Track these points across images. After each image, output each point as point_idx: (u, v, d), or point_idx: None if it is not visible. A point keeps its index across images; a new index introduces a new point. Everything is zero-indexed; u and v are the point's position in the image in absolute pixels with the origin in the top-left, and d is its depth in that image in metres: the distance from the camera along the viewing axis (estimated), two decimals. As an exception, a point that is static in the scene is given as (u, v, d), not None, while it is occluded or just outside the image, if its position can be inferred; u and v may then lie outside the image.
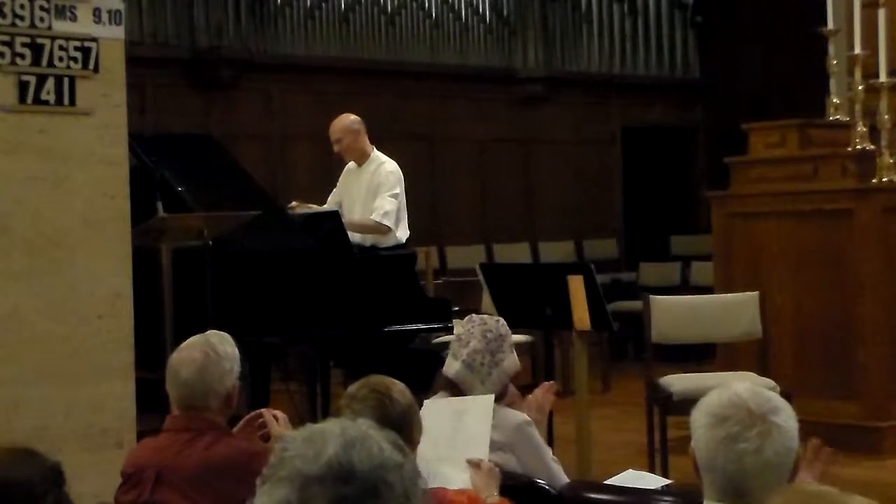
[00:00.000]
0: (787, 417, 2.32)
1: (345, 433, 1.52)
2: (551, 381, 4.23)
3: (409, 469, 1.52)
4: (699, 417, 2.34)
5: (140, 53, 8.92)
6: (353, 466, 1.48)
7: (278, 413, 3.63)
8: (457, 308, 6.94)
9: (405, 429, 2.86)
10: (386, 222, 7.13)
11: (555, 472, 3.82)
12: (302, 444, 1.51)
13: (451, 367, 3.89)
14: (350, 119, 7.37)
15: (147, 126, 9.03)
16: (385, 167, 7.29)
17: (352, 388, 3.08)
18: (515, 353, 3.97)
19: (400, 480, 1.50)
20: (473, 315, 4.05)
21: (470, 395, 3.84)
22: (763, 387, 2.46)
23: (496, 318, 4.00)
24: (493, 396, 3.70)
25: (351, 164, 7.44)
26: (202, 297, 5.95)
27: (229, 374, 3.41)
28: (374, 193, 7.22)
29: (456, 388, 3.87)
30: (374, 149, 7.42)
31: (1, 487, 2.26)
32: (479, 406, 3.61)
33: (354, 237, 7.10)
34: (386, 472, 1.49)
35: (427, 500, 1.55)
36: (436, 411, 3.60)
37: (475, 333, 3.90)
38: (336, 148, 7.36)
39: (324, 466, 1.48)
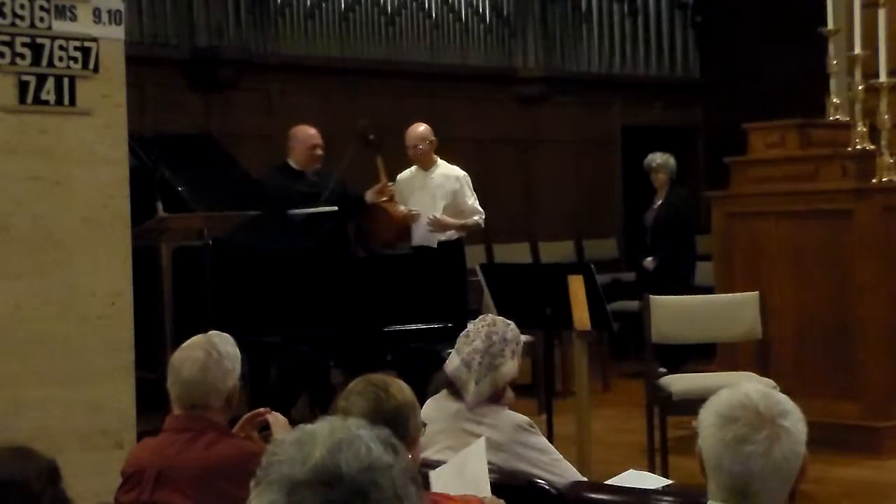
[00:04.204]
0: (795, 421, 2.29)
1: (333, 435, 1.50)
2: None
3: (400, 469, 1.50)
4: (707, 417, 2.31)
5: (140, 53, 8.90)
6: (339, 470, 1.46)
7: (277, 415, 3.63)
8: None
9: (400, 424, 2.86)
10: (480, 219, 8.04)
11: (565, 469, 3.82)
12: (290, 447, 1.50)
13: (452, 362, 3.90)
14: (427, 129, 8.09)
15: (147, 126, 9.01)
16: (456, 171, 8.09)
17: (351, 383, 3.09)
18: (517, 360, 3.94)
19: (390, 481, 1.48)
20: (488, 315, 4.06)
21: (464, 392, 3.84)
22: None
23: (508, 322, 3.98)
24: (483, 439, 3.62)
25: (411, 170, 8.07)
26: (202, 297, 5.95)
27: (231, 374, 3.42)
28: (450, 195, 7.94)
29: (453, 386, 3.88)
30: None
31: (-3, 486, 2.26)
32: (474, 452, 3.56)
33: (435, 236, 7.79)
34: (375, 474, 1.48)
35: (422, 500, 1.54)
36: (441, 479, 3.55)
37: (481, 333, 3.90)
38: (411, 153, 8.02)
39: (310, 470, 1.46)
